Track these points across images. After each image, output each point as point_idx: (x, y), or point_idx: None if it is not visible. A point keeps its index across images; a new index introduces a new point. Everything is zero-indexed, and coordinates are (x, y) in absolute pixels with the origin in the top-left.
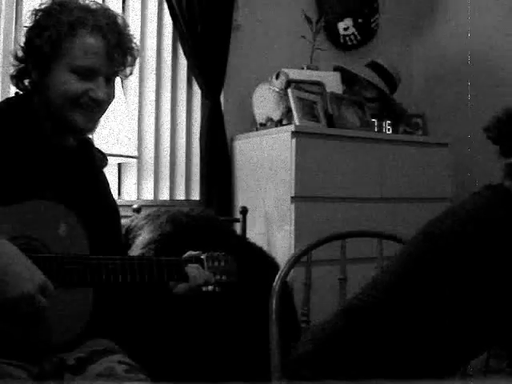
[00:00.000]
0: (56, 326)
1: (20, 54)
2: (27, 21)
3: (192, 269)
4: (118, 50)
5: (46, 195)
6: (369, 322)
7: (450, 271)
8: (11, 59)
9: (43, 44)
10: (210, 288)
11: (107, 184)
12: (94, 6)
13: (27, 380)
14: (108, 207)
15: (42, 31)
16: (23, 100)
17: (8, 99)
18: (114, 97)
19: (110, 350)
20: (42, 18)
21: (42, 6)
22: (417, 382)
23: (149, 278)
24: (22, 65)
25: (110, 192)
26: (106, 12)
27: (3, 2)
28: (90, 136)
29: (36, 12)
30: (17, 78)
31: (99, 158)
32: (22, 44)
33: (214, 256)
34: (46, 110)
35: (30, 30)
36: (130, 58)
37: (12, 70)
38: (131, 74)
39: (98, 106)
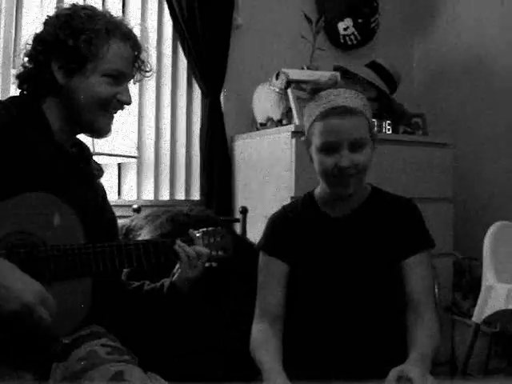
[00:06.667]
0: (56, 320)
1: (27, 54)
2: (46, 20)
3: (181, 247)
4: (141, 58)
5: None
6: None
7: None
8: (22, 58)
9: (80, 46)
10: (207, 264)
11: (104, 192)
12: (112, 14)
13: (27, 379)
14: (105, 212)
15: (80, 33)
16: (32, 100)
17: (13, 98)
18: None
19: (95, 334)
20: (76, 20)
21: (67, 8)
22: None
23: (137, 262)
24: (33, 65)
25: (107, 200)
26: (125, 21)
27: (3, 2)
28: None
29: (60, 14)
30: (25, 78)
31: (95, 168)
32: (39, 45)
33: (210, 232)
34: (65, 111)
35: (60, 30)
36: (146, 67)
37: (20, 70)
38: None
39: (122, 109)
